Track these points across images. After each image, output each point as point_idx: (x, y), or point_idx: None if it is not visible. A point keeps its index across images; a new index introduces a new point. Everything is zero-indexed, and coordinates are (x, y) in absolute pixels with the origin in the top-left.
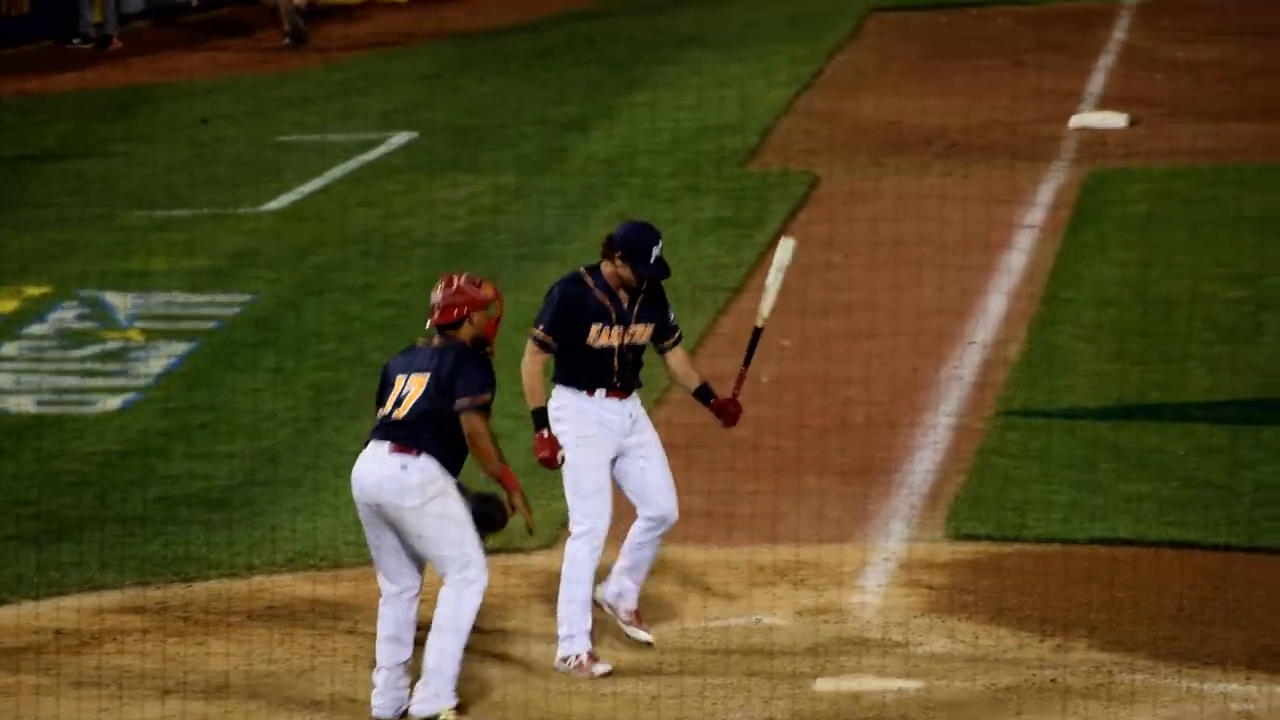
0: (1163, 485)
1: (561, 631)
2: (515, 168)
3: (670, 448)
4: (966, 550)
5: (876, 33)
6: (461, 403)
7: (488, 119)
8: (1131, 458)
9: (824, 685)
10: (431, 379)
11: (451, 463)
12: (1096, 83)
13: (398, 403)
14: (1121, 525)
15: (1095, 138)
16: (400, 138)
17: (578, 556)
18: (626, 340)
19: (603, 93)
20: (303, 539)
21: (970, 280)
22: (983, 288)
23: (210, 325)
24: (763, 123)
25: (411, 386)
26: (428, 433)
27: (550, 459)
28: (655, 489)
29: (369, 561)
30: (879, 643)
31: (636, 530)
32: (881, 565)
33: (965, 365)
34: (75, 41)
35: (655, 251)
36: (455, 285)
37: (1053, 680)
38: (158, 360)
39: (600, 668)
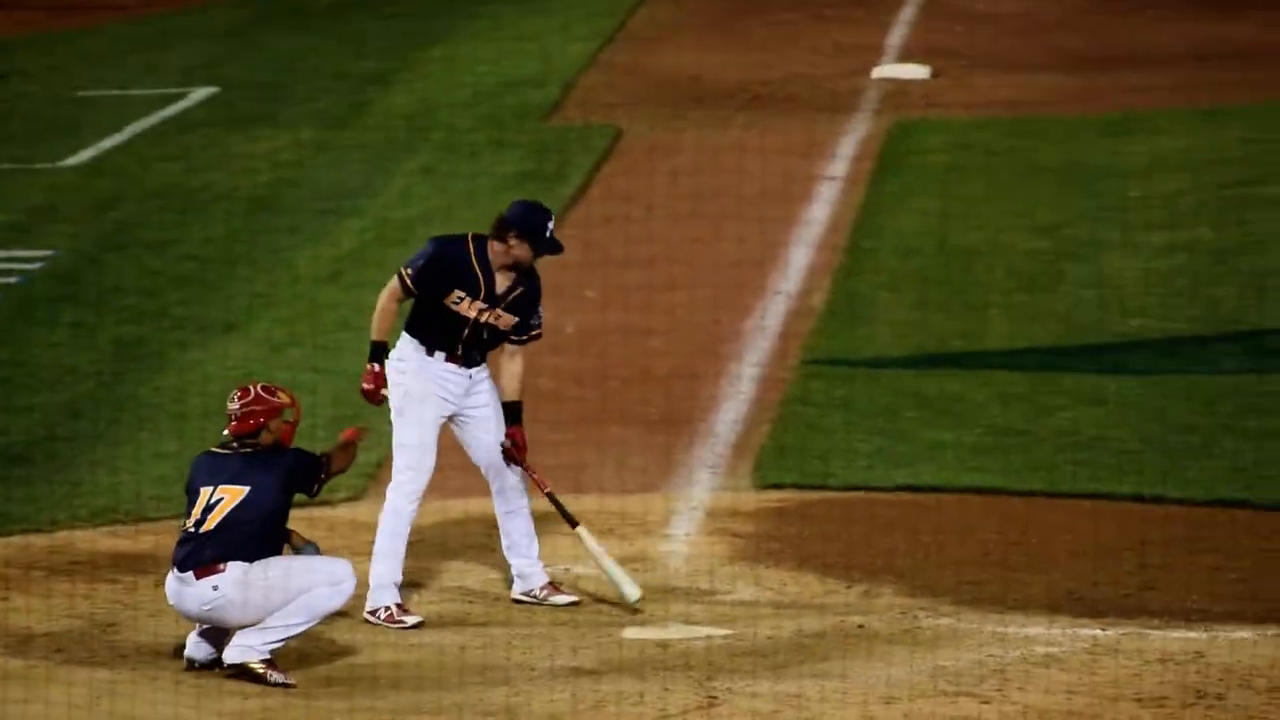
0: (965, 432)
1: (372, 582)
2: (316, 122)
3: None
4: (772, 499)
5: None
6: (320, 481)
7: (288, 74)
8: (935, 405)
9: (632, 633)
10: (252, 493)
11: (263, 554)
12: (898, 35)
13: (205, 512)
14: (925, 472)
15: (897, 89)
16: (201, 93)
17: (397, 507)
18: (486, 319)
19: (403, 47)
20: (105, 493)
21: (773, 232)
22: (785, 239)
23: (10, 280)
24: (564, 76)
25: (223, 496)
26: (233, 543)
27: (373, 393)
28: (493, 448)
29: (173, 515)
30: (687, 590)
31: (495, 504)
32: (688, 514)
33: (769, 316)
34: None
35: (550, 228)
36: (252, 394)
37: (859, 626)
38: None
39: (411, 619)
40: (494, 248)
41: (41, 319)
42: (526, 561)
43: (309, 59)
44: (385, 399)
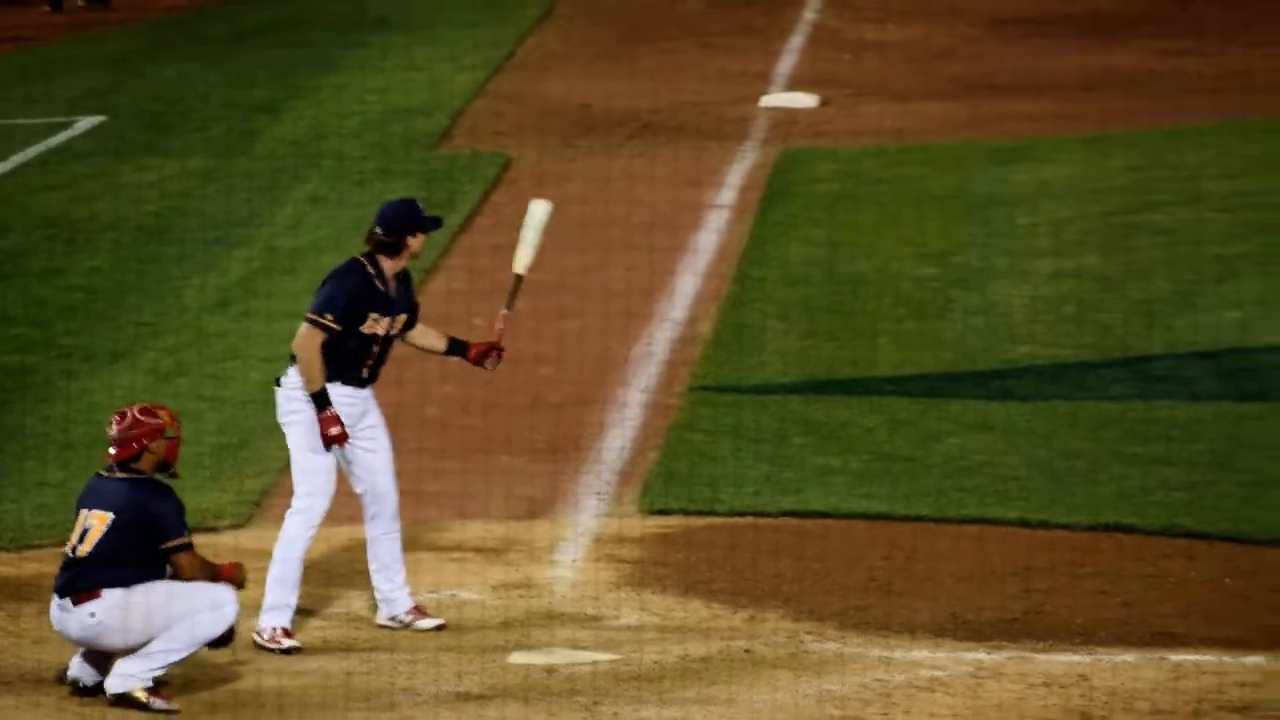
0: (854, 458)
1: (265, 603)
2: (205, 151)
3: None
4: (659, 525)
5: (567, 15)
6: (170, 545)
7: (177, 103)
8: (823, 431)
9: (518, 658)
10: (117, 519)
11: (141, 579)
12: (786, 64)
13: (80, 539)
14: (813, 498)
15: (785, 118)
16: (87, 122)
17: (293, 534)
18: (390, 330)
19: (293, 76)
20: None
21: (662, 260)
22: (674, 267)
23: None
24: (452, 105)
25: (93, 522)
26: (108, 568)
27: (341, 435)
28: (378, 472)
29: (57, 542)
30: (573, 616)
31: (367, 528)
32: (575, 540)
33: (658, 343)
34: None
35: (422, 209)
36: (129, 418)
37: (746, 650)
38: None
39: (288, 643)
40: (386, 261)
41: None
42: (392, 586)
43: (198, 88)
44: (348, 437)
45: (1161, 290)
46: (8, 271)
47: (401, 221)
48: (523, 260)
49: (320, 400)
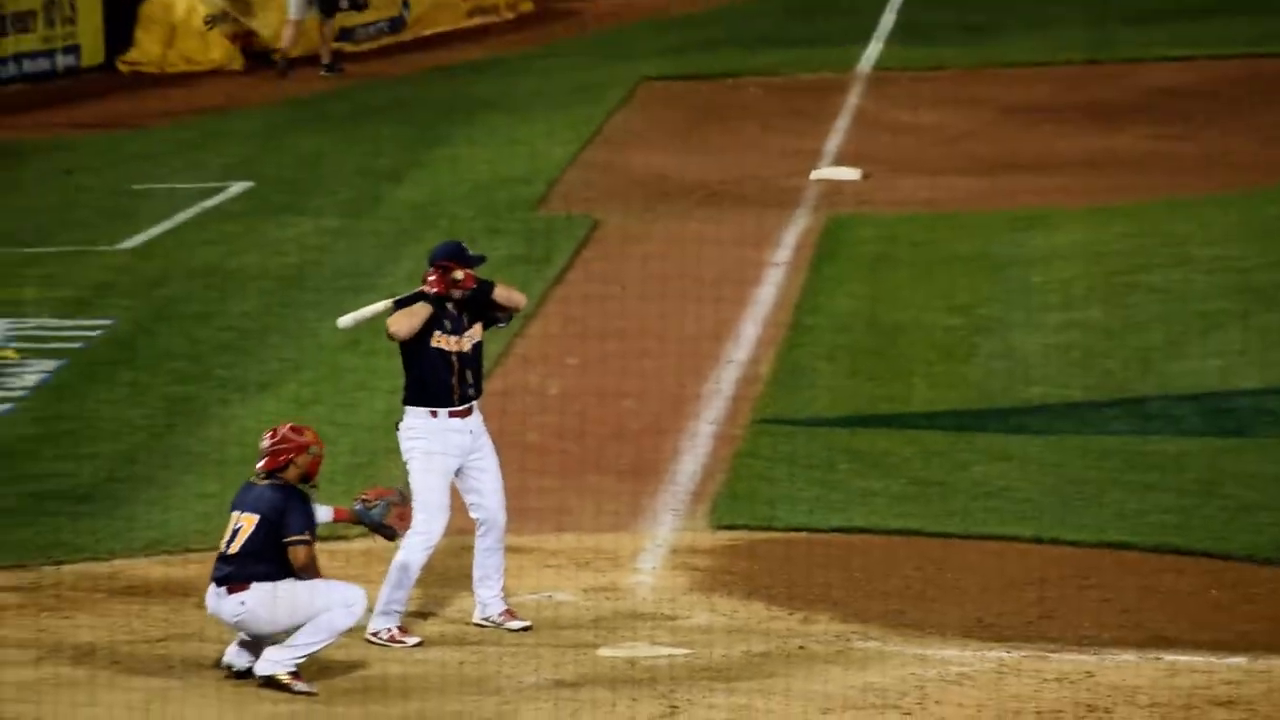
0: (892, 482)
1: (377, 608)
2: (337, 212)
3: None
4: (726, 538)
5: (646, 99)
6: (289, 539)
7: (314, 171)
8: (866, 459)
9: (605, 652)
10: (261, 520)
11: (284, 574)
12: (834, 142)
13: (231, 538)
14: (857, 516)
15: (833, 188)
16: (238, 186)
17: (414, 548)
18: (465, 347)
19: (413, 148)
20: (156, 528)
21: (727, 309)
22: (738, 316)
23: (75, 346)
24: (549, 174)
25: (243, 524)
26: (255, 565)
27: (437, 281)
28: (489, 494)
29: (213, 546)
30: (652, 616)
31: (477, 541)
32: (654, 551)
33: (724, 381)
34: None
35: (468, 249)
36: (280, 434)
37: (800, 647)
38: (30, 376)
39: (411, 639)
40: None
41: (102, 379)
42: (490, 593)
43: (332, 157)
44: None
45: (1155, 340)
46: (170, 314)
47: (442, 253)
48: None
49: (409, 301)
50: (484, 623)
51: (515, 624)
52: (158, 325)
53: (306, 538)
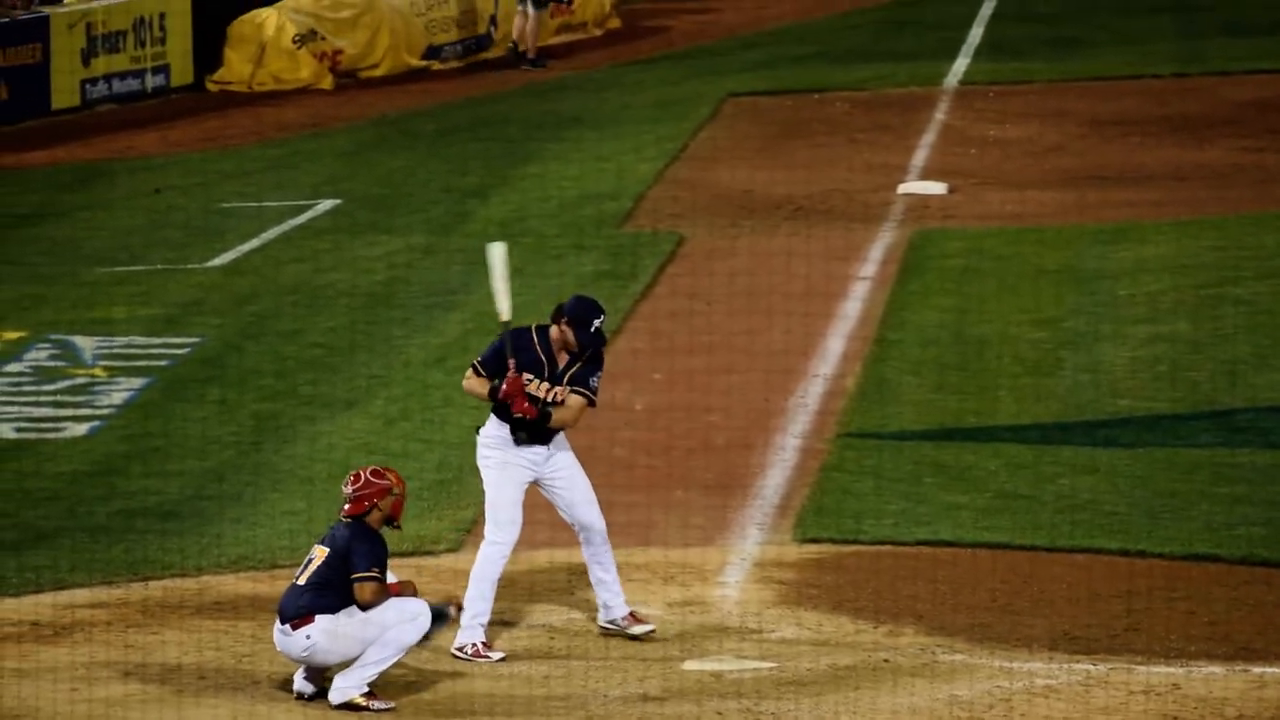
0: (978, 496)
1: (463, 621)
2: (425, 229)
3: None
4: (811, 552)
5: (732, 115)
6: (355, 576)
7: (401, 188)
8: (951, 472)
9: (691, 665)
10: (331, 554)
11: (346, 605)
12: (920, 157)
13: (304, 567)
14: (943, 530)
15: (919, 203)
16: (326, 204)
17: (489, 558)
18: (551, 397)
19: (499, 166)
20: (243, 544)
21: (813, 324)
22: (824, 330)
23: (163, 363)
24: (635, 190)
25: (315, 555)
26: (319, 597)
27: (511, 384)
28: (577, 505)
29: (298, 562)
30: (737, 630)
31: (583, 550)
32: (739, 564)
33: (810, 395)
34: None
35: (596, 323)
36: (362, 479)
37: (885, 660)
38: (118, 393)
39: (495, 654)
40: (553, 332)
41: (190, 396)
42: (610, 595)
43: (418, 175)
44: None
45: (1242, 353)
46: (258, 332)
47: (567, 308)
48: (503, 309)
49: (492, 393)
50: (609, 626)
51: (639, 628)
52: (246, 343)
53: (375, 574)
